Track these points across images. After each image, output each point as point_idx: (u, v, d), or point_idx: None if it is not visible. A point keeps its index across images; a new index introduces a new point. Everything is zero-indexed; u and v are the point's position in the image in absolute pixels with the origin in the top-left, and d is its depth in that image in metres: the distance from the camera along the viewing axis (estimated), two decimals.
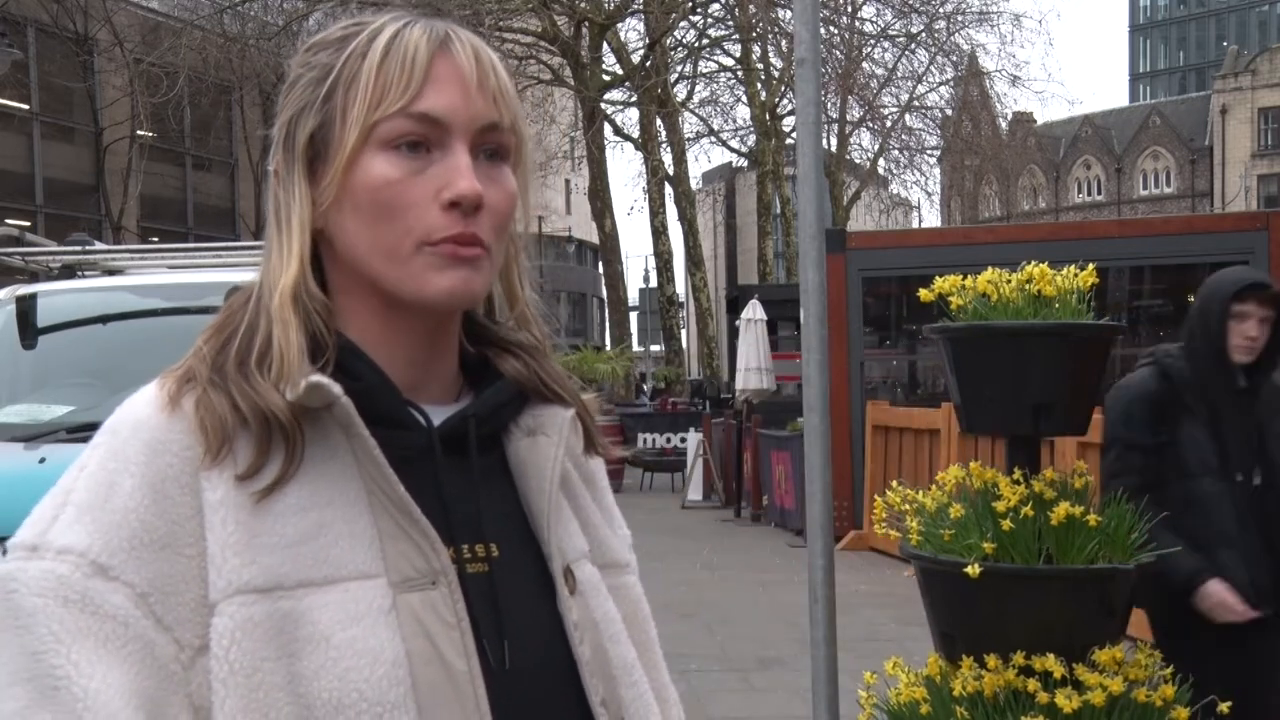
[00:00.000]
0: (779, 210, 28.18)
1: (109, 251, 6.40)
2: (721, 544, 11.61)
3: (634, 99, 25.04)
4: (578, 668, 1.00)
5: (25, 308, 5.39)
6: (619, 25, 24.47)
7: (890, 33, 26.87)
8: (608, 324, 28.46)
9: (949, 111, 29.67)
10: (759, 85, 26.16)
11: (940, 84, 28.79)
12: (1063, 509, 2.78)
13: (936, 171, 32.30)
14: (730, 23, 25.02)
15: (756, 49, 25.51)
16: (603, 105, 24.34)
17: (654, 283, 26.56)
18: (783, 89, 25.45)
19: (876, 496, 3.21)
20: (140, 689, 0.86)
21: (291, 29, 21.11)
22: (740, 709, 5.95)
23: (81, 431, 4.05)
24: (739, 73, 26.51)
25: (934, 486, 3.06)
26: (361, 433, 0.94)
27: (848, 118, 28.62)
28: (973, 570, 2.74)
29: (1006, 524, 2.78)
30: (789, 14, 18.41)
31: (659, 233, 24.85)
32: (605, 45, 24.09)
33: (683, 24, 24.96)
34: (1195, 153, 64.50)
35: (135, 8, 24.61)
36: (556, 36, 22.51)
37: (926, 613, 3.06)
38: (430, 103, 0.96)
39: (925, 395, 12.70)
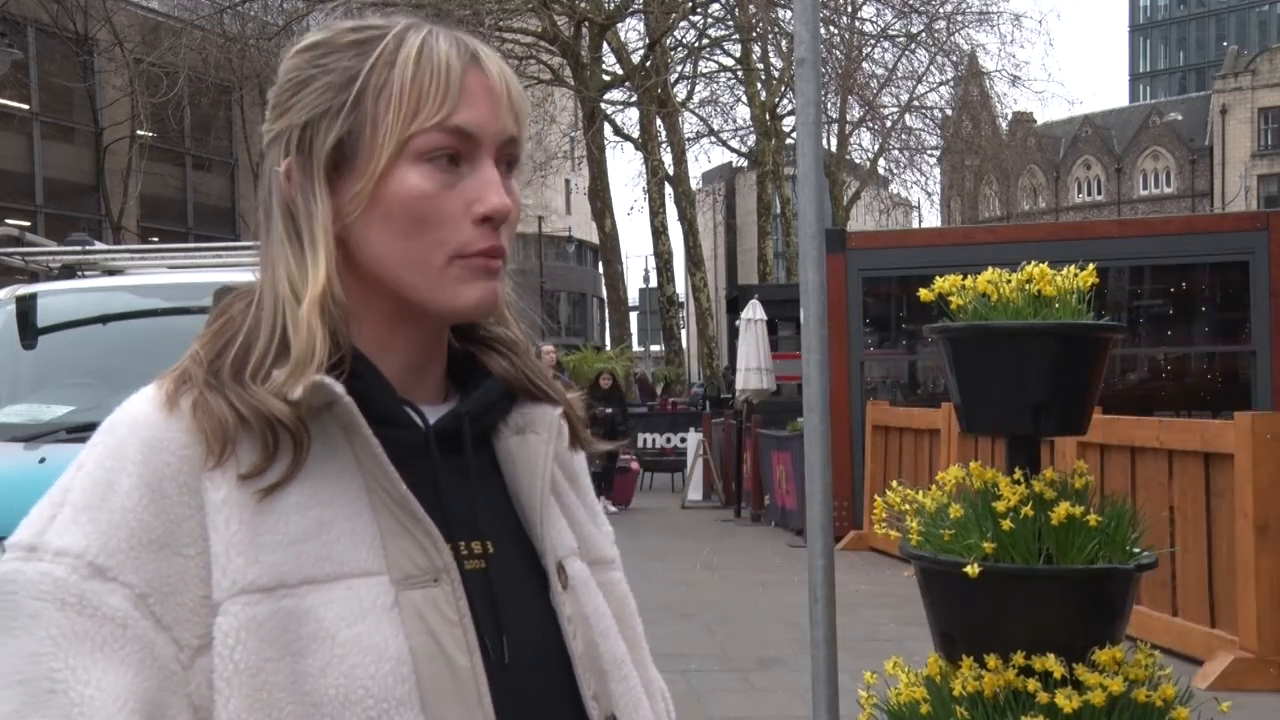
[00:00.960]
0: (779, 210, 28.18)
1: (109, 251, 6.40)
2: (721, 544, 11.61)
3: (634, 99, 25.05)
4: (571, 662, 1.01)
5: (25, 308, 5.38)
6: (619, 25, 24.49)
7: (890, 33, 26.92)
8: (608, 324, 28.48)
9: (949, 111, 29.70)
10: (759, 85, 26.17)
11: (940, 84, 28.87)
12: (1063, 509, 2.78)
13: (936, 171, 32.33)
14: (730, 23, 25.03)
15: (756, 49, 25.51)
16: (603, 105, 24.34)
17: (654, 283, 26.61)
18: (783, 89, 25.46)
19: (876, 496, 3.21)
20: (139, 691, 0.86)
21: (291, 29, 21.10)
22: (740, 709, 5.94)
23: (81, 431, 4.03)
24: (739, 73, 26.52)
25: (934, 486, 3.06)
26: (364, 431, 0.94)
27: (848, 118, 28.65)
28: (972, 570, 2.74)
29: (1006, 524, 2.78)
30: (789, 14, 18.42)
31: (659, 233, 24.86)
32: (605, 45, 24.10)
33: (683, 24, 24.98)
34: (1195, 152, 64.50)
35: (135, 8, 24.62)
36: (556, 36, 22.52)
37: (926, 613, 3.06)
38: (465, 117, 0.96)
39: (925, 395, 12.69)
